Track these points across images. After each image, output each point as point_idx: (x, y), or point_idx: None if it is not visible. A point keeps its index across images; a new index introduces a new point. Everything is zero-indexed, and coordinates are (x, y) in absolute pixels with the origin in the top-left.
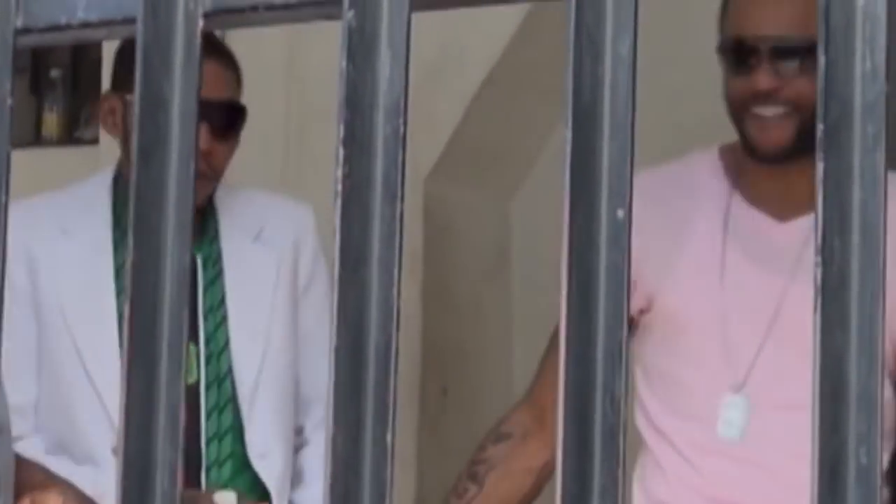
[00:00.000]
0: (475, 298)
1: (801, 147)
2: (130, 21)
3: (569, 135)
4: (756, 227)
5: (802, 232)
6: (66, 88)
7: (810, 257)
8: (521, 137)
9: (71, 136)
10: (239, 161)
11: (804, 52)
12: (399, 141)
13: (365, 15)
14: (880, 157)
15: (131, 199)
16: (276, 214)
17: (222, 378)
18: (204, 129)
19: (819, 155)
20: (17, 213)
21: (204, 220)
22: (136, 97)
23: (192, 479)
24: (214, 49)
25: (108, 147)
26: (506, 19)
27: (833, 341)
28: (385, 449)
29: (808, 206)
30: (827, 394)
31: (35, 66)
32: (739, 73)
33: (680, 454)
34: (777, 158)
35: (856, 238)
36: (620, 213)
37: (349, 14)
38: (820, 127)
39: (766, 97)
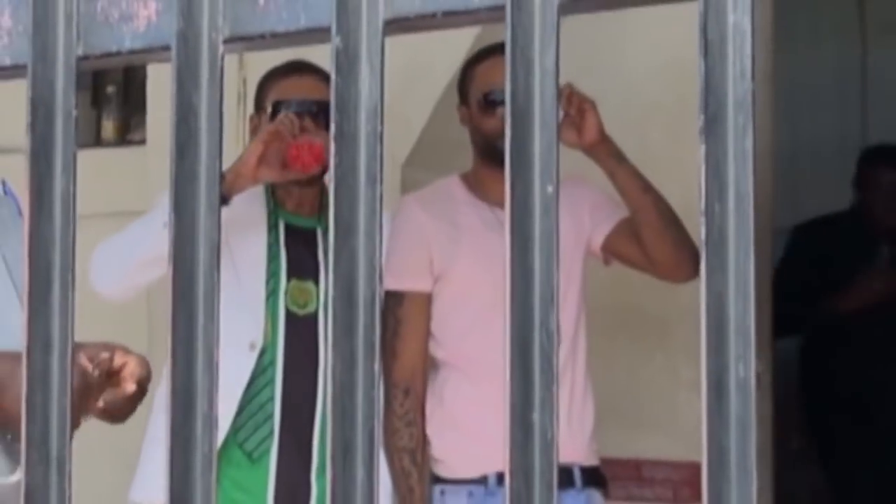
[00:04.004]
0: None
1: None
2: (167, 48)
3: (508, 130)
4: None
5: None
6: (119, 101)
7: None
8: None
9: (124, 138)
10: None
11: None
12: (377, 137)
13: (348, 39)
14: (749, 141)
15: (171, 186)
16: None
17: None
18: (318, 125)
19: (701, 139)
20: None
21: (323, 196)
22: (171, 106)
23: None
24: (314, 68)
25: (154, 146)
26: (464, 36)
27: (715, 283)
28: (373, 375)
29: None
30: (712, 323)
31: (95, 83)
32: (489, 114)
33: None
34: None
35: (731, 204)
36: (550, 189)
37: (336, 39)
38: (701, 118)
39: None
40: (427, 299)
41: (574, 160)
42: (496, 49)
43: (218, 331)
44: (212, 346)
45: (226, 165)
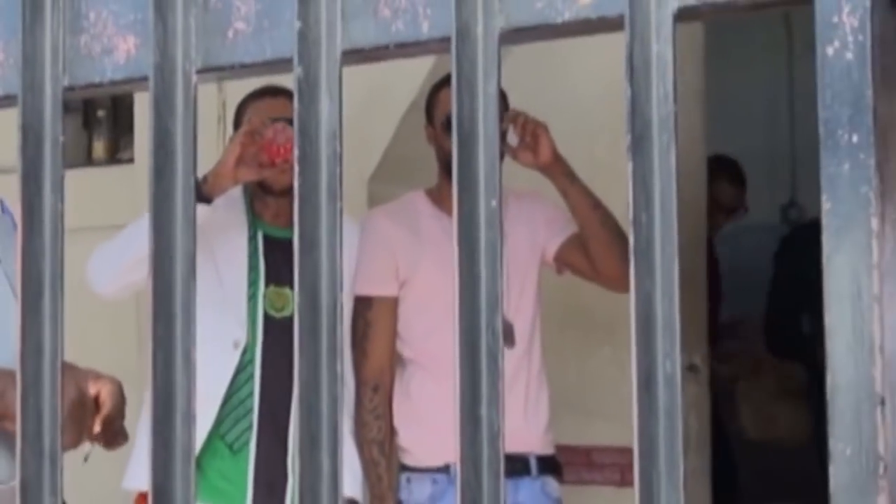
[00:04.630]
0: None
1: None
2: (144, 79)
3: (455, 150)
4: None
5: None
6: (108, 123)
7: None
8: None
9: (113, 158)
10: None
11: None
12: (337, 158)
13: (309, 69)
14: (672, 157)
15: (150, 204)
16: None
17: None
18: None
19: (629, 156)
20: None
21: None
22: (149, 131)
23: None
24: (286, 91)
25: (141, 165)
26: (422, 62)
27: (643, 286)
28: (335, 375)
29: None
30: (641, 323)
31: (86, 107)
32: (450, 135)
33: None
34: None
35: (657, 214)
36: (493, 203)
37: (298, 69)
38: (629, 137)
39: None
40: (394, 303)
41: (532, 178)
42: None
43: (195, 334)
44: (189, 349)
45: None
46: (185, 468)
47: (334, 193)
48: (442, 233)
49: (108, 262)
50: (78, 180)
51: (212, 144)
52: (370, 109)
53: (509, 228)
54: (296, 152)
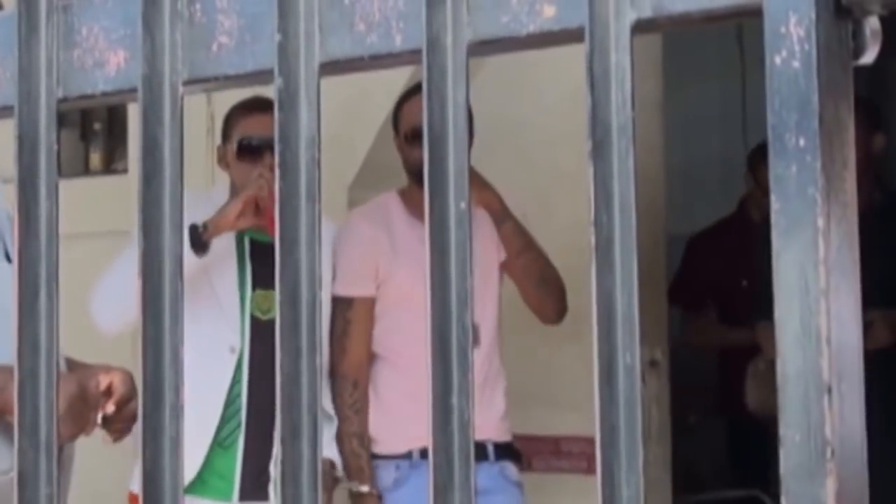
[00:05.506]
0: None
1: None
2: (134, 90)
3: (426, 154)
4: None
5: None
6: (104, 135)
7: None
8: None
9: (109, 168)
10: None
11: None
12: (315, 163)
13: (289, 80)
14: (631, 161)
15: (138, 210)
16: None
17: None
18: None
19: (590, 161)
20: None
21: None
22: (139, 140)
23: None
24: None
25: (135, 175)
26: (400, 73)
27: (604, 283)
28: (315, 369)
29: None
30: (603, 318)
31: (83, 120)
32: (413, 146)
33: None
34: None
35: (616, 214)
36: (463, 205)
37: (278, 80)
38: (589, 142)
39: None
40: (372, 303)
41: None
42: (418, 89)
43: (182, 332)
44: (177, 346)
45: (190, 188)
46: (173, 460)
47: (313, 196)
48: (414, 235)
49: (111, 304)
50: (75, 189)
51: (200, 155)
52: (350, 118)
53: (475, 231)
54: (276, 159)
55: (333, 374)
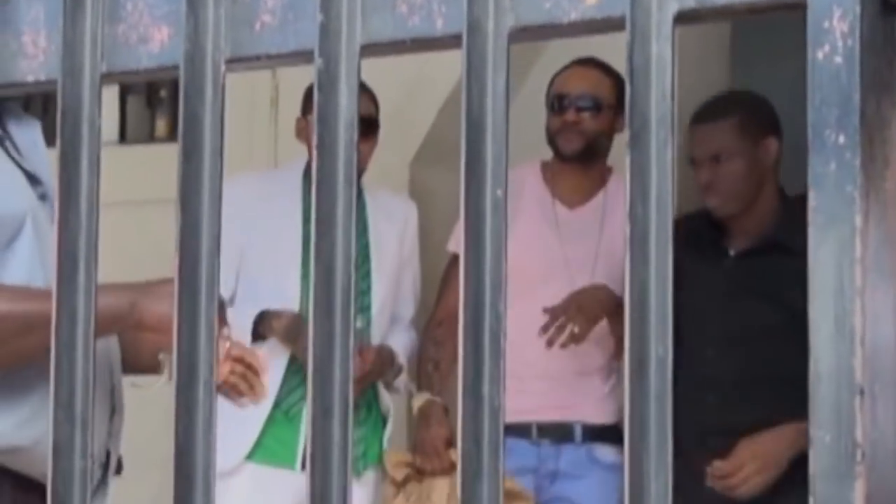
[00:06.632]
0: (442, 245)
1: (589, 155)
2: (176, 67)
3: (464, 141)
4: (558, 210)
5: (595, 210)
6: (170, 102)
7: (608, 224)
8: None
9: (174, 135)
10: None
11: (593, 104)
12: (353, 145)
13: (329, 61)
14: (669, 152)
15: (178, 185)
16: (396, 202)
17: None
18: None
19: (627, 151)
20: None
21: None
22: (180, 117)
23: None
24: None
25: None
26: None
27: (639, 274)
28: (347, 351)
29: (592, 194)
30: (635, 310)
31: (149, 88)
32: (554, 113)
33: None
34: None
35: (653, 206)
36: (499, 192)
37: (319, 61)
38: (629, 132)
39: (572, 125)
40: None
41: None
42: (579, 61)
43: (216, 308)
44: (212, 322)
45: (233, 167)
46: (206, 434)
47: (350, 179)
48: (539, 210)
49: None
50: (141, 156)
51: (265, 126)
52: (413, 95)
53: (615, 222)
54: (315, 140)
55: (430, 319)
